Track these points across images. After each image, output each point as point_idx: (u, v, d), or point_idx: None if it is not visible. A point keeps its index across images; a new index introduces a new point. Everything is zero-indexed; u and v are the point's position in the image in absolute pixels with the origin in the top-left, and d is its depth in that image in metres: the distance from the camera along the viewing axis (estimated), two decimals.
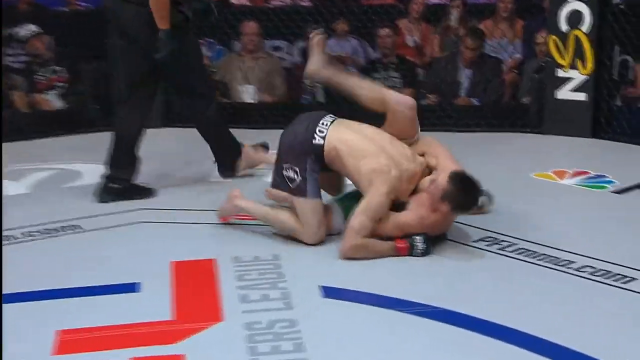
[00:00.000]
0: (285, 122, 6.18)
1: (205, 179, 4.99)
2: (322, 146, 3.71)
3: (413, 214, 3.64)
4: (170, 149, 5.96)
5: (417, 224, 3.62)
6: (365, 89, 3.86)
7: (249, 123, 6.40)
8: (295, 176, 3.71)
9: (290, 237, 3.81)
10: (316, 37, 3.96)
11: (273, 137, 5.90)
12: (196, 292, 3.33)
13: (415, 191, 3.73)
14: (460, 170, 3.63)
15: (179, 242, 3.89)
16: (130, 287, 3.35)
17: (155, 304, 3.20)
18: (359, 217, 3.59)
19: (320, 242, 3.74)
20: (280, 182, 3.78)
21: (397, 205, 3.68)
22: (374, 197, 3.59)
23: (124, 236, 4.00)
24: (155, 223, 4.18)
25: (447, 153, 3.84)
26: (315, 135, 3.73)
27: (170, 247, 3.80)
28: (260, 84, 6.75)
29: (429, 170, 3.77)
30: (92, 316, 3.08)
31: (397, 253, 3.61)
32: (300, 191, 3.71)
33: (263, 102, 6.67)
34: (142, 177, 5.01)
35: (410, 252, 3.61)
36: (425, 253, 3.61)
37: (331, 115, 3.84)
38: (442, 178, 3.58)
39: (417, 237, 3.61)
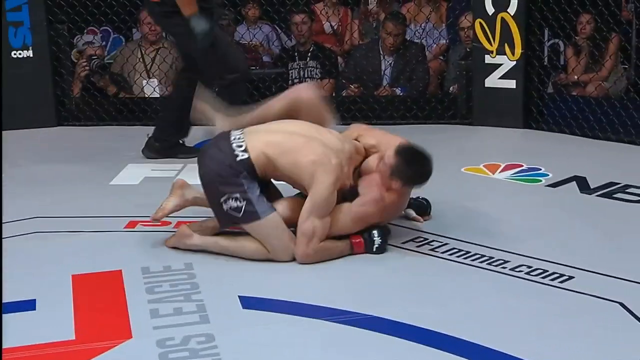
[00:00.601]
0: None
1: (105, 181, 4.93)
2: (249, 159, 3.62)
3: (369, 199, 3.68)
4: (64, 150, 5.87)
5: (376, 210, 3.67)
6: (273, 106, 3.88)
7: (152, 119, 6.35)
8: (239, 203, 3.60)
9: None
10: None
11: None
12: (101, 308, 3.29)
13: (356, 173, 3.80)
14: (406, 143, 3.73)
15: (79, 253, 3.83)
16: (26, 305, 3.29)
17: (54, 322, 3.16)
18: (309, 220, 3.59)
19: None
20: (226, 219, 3.68)
21: (348, 193, 3.72)
22: (320, 193, 3.59)
23: (16, 248, 3.90)
24: (51, 233, 4.11)
25: (383, 131, 3.98)
26: (236, 152, 3.63)
27: (70, 259, 3.75)
28: (164, 76, 6.69)
29: (366, 152, 3.85)
30: None
31: (354, 250, 3.68)
32: (250, 215, 3.61)
33: (164, 97, 6.60)
34: (35, 182, 4.94)
35: (367, 247, 3.69)
36: (381, 249, 3.70)
37: (236, 130, 3.77)
38: (388, 154, 3.66)
39: (374, 232, 3.69)
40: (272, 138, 3.70)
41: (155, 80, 6.64)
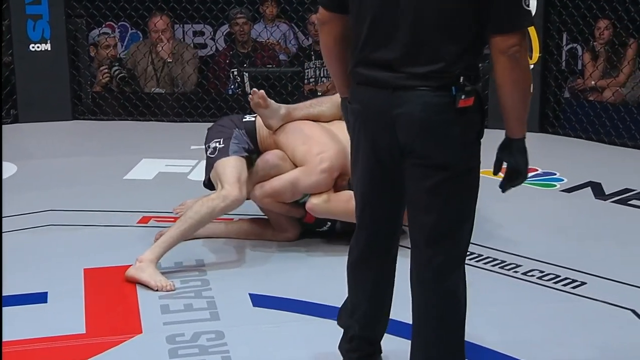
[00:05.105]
0: (204, 114, 6.30)
1: (119, 176, 4.94)
2: (254, 122, 3.80)
3: None
4: (79, 144, 5.89)
5: None
6: (324, 105, 3.91)
7: (167, 115, 6.39)
8: (218, 144, 3.70)
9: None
10: (255, 99, 3.75)
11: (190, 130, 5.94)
12: (112, 303, 3.30)
13: None
14: None
15: (92, 247, 3.85)
16: (38, 298, 3.31)
17: (65, 315, 3.17)
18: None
19: (242, 200, 3.58)
20: (207, 166, 3.73)
21: None
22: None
23: (30, 240, 3.94)
24: (64, 226, 4.13)
25: None
26: (246, 116, 3.86)
27: (83, 253, 3.77)
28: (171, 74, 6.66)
29: None
30: None
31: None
32: (221, 153, 3.67)
33: (180, 93, 6.60)
34: (50, 175, 4.96)
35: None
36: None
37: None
38: None
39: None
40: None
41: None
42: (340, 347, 2.72)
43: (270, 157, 3.72)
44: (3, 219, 4.09)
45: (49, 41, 6.26)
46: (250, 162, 3.73)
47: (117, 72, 6.52)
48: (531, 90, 2.44)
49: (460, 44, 2.29)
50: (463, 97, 2.29)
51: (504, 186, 2.51)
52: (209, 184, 3.74)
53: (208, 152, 3.73)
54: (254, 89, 3.81)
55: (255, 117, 3.83)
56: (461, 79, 2.29)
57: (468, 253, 3.69)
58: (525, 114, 2.40)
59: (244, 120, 3.82)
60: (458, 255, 2.53)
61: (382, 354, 2.75)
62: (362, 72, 2.38)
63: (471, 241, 3.85)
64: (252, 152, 3.76)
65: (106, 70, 6.54)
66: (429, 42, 2.28)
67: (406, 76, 2.30)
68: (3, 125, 6.12)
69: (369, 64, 2.35)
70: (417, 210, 2.46)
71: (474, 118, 2.36)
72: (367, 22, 2.33)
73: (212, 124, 4.16)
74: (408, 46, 2.29)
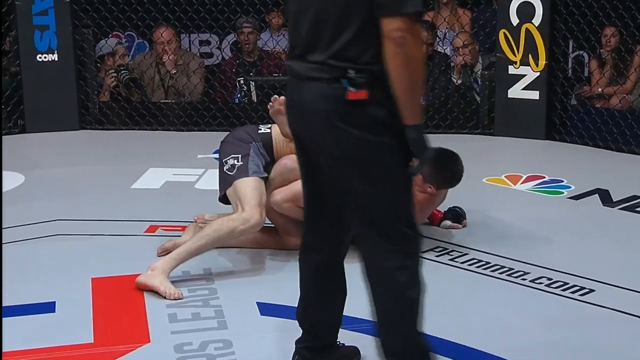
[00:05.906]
0: (211, 124, 6.30)
1: (126, 185, 4.95)
2: (270, 133, 3.79)
3: None
4: (86, 153, 5.90)
5: None
6: None
7: (174, 124, 6.40)
8: (236, 162, 3.70)
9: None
10: (275, 106, 3.70)
11: (197, 139, 5.95)
12: (119, 312, 3.29)
13: None
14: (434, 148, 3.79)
15: (99, 257, 3.85)
16: (46, 307, 3.31)
17: (73, 325, 3.17)
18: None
19: (262, 224, 3.60)
20: (222, 182, 3.73)
21: None
22: None
23: (37, 250, 3.94)
24: (72, 235, 4.12)
25: None
26: (260, 127, 3.86)
27: (90, 262, 3.77)
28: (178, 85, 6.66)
29: None
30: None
31: None
32: (240, 173, 3.67)
33: (186, 102, 6.61)
34: (57, 185, 4.96)
35: None
36: None
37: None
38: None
39: None
40: None
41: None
42: None
43: (287, 161, 3.73)
44: (10, 229, 4.12)
45: (56, 51, 6.27)
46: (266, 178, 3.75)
47: (124, 75, 6.52)
48: (421, 81, 2.33)
49: (351, 32, 2.29)
50: (353, 89, 2.28)
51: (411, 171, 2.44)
52: (223, 199, 3.75)
53: (225, 168, 3.70)
54: (275, 95, 3.79)
55: (270, 127, 3.83)
56: (349, 71, 2.27)
57: (476, 260, 3.75)
58: (414, 102, 2.32)
59: (259, 131, 3.82)
60: (397, 252, 2.40)
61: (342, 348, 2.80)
62: (288, 64, 2.47)
63: (479, 249, 3.89)
64: (269, 165, 3.77)
65: (113, 74, 6.54)
66: (326, 30, 2.31)
67: (310, 66, 2.35)
68: (10, 136, 6.14)
69: (291, 55, 2.45)
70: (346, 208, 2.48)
71: (374, 112, 2.30)
72: (291, 16, 2.45)
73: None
74: (311, 35, 2.35)
